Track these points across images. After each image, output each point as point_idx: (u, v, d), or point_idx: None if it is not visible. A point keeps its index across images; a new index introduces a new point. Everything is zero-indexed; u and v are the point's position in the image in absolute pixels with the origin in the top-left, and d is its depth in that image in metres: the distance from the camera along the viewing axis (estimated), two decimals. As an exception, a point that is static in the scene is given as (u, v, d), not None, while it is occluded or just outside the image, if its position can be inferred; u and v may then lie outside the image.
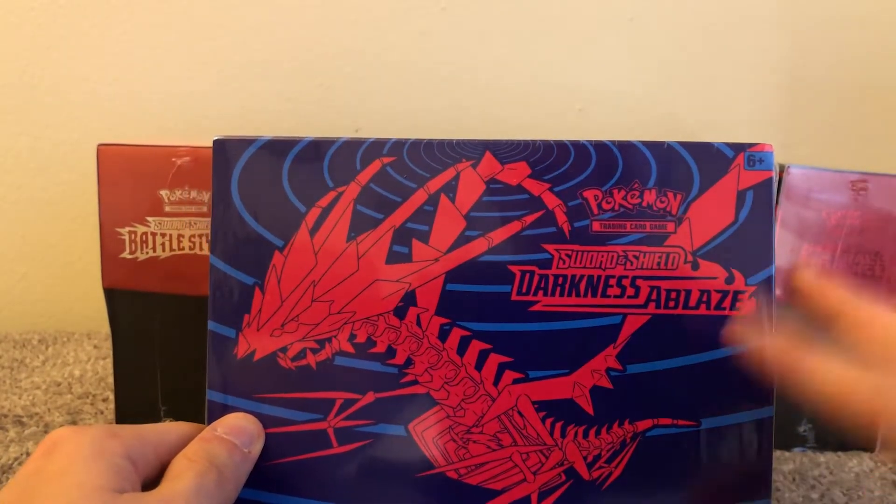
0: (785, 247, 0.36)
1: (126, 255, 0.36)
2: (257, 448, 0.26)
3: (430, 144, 0.28)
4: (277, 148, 0.28)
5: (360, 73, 0.55)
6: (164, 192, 0.36)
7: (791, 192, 0.36)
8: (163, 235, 0.36)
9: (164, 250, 0.36)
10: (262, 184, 0.28)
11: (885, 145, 0.57)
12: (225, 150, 0.28)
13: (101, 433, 0.23)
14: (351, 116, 0.55)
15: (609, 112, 0.56)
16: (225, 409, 0.27)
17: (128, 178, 0.36)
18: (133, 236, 0.36)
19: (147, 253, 0.36)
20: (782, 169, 0.36)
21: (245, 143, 0.28)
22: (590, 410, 0.27)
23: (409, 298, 0.27)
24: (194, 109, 0.54)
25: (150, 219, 0.36)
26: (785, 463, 0.37)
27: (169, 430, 0.25)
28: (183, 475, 0.23)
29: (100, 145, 0.36)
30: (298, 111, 0.55)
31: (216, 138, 0.28)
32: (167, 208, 0.36)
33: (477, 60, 0.55)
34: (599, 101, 0.56)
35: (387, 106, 0.55)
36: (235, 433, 0.26)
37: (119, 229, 0.36)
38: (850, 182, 0.36)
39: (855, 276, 0.37)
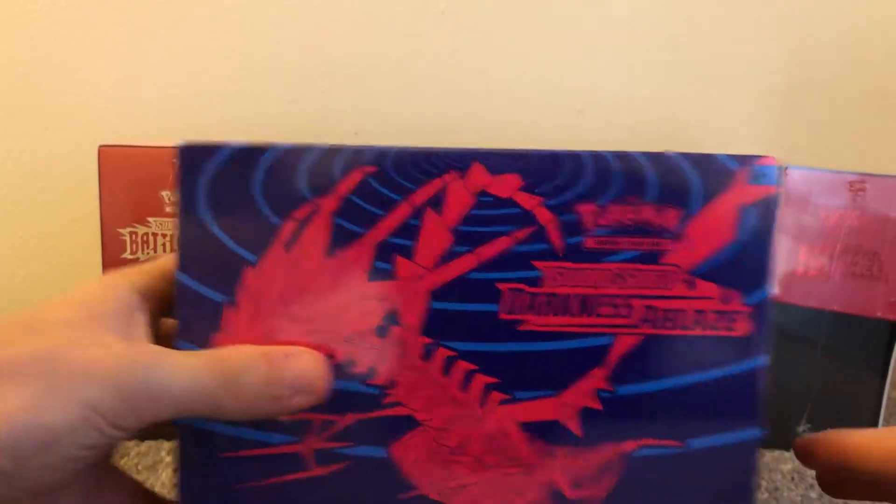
0: (783, 248, 0.36)
1: (127, 255, 0.37)
2: (298, 402, 0.25)
3: (415, 154, 0.26)
4: (249, 155, 0.26)
5: (361, 75, 0.54)
6: (164, 193, 0.36)
7: (790, 192, 0.35)
8: (163, 236, 0.37)
9: (164, 251, 0.37)
10: (232, 194, 0.26)
11: (883, 146, 0.56)
12: (191, 156, 0.26)
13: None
14: (351, 119, 0.54)
15: (609, 113, 0.55)
16: (196, 432, 0.26)
17: (129, 179, 0.36)
18: (134, 237, 0.36)
19: (148, 253, 0.37)
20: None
21: (213, 149, 0.26)
22: (577, 432, 0.26)
23: (392, 317, 0.26)
24: (195, 111, 0.53)
25: (150, 219, 0.36)
26: (785, 463, 0.37)
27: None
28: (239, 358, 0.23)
29: (101, 147, 0.36)
30: (299, 114, 0.54)
31: (180, 144, 0.26)
32: (168, 209, 0.36)
33: (477, 63, 0.54)
34: (599, 102, 0.55)
35: (387, 109, 0.54)
36: (300, 382, 0.24)
37: (120, 230, 0.36)
38: (848, 183, 0.36)
39: (853, 276, 0.37)
